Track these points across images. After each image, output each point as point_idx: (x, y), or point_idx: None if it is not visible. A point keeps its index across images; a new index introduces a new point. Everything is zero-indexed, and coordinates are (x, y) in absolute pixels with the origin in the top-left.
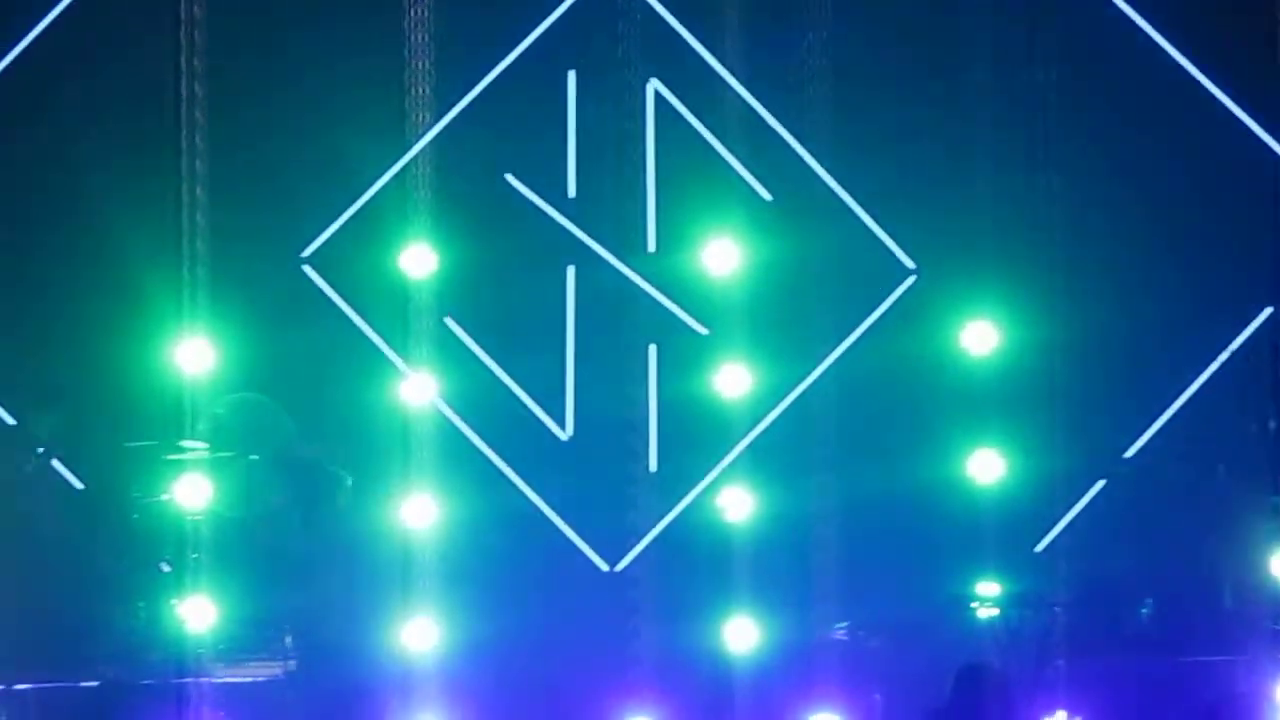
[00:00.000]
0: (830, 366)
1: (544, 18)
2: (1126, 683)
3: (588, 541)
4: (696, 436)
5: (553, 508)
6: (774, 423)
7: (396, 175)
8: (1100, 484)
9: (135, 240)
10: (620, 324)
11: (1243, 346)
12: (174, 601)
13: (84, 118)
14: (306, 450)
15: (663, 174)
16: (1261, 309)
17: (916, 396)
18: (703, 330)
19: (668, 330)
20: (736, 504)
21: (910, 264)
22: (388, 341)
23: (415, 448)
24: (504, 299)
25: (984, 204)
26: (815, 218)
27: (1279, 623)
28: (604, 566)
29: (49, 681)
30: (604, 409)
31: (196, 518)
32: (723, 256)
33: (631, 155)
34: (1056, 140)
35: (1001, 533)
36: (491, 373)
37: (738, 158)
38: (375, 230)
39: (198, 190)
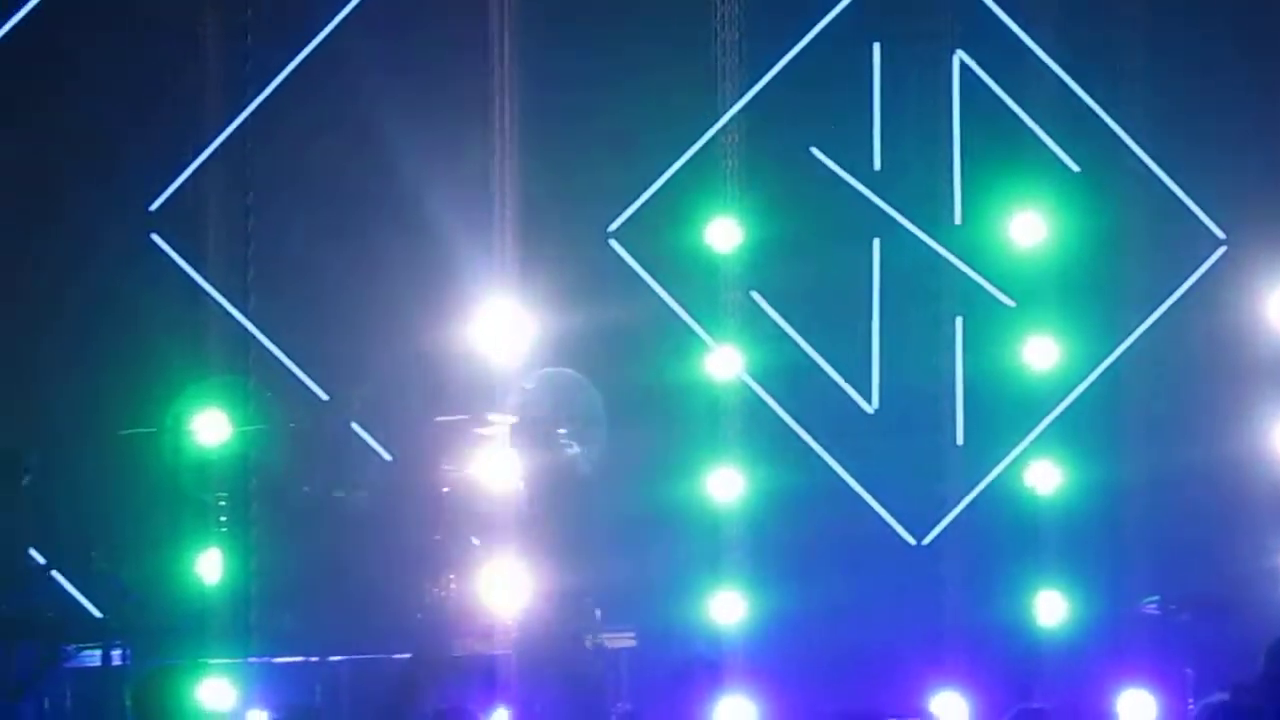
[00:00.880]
0: (1139, 338)
1: None
2: None
3: (895, 515)
4: (1003, 409)
5: (859, 482)
6: (1082, 395)
7: (702, 150)
8: None
9: (446, 218)
10: (926, 297)
11: None
12: (483, 574)
13: (398, 103)
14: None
15: (969, 146)
16: None
17: (1226, 368)
18: (1009, 302)
19: (974, 303)
20: (1044, 477)
21: (1220, 234)
22: (693, 315)
23: (722, 421)
24: (809, 272)
25: None
26: (1124, 189)
27: None
28: (911, 540)
29: (361, 653)
30: (910, 382)
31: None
32: (1030, 228)
33: (937, 127)
34: None
35: None
36: (797, 346)
37: (1045, 129)
38: (681, 205)
39: (508, 168)
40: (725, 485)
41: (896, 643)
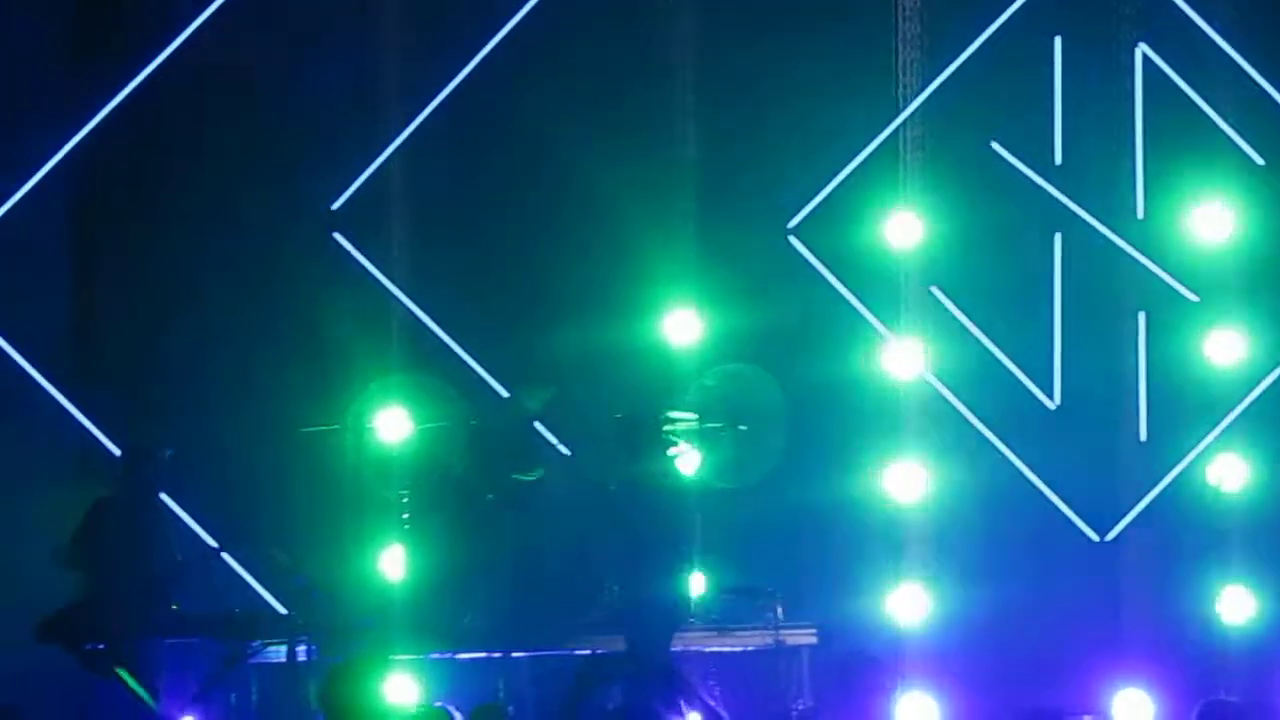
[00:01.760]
0: None
1: None
2: None
3: (1077, 511)
4: (1187, 405)
5: (1041, 478)
6: (1268, 389)
7: (882, 145)
8: None
9: (625, 215)
10: (1109, 291)
11: None
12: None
13: (578, 103)
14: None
15: (1151, 139)
16: None
17: None
18: (1193, 297)
19: (1157, 297)
20: (1229, 473)
21: None
22: (873, 311)
23: (902, 417)
24: (990, 267)
25: None
26: None
27: None
28: (1094, 537)
29: (542, 650)
30: (1092, 378)
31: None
32: (1214, 222)
33: (1119, 121)
34: None
35: None
36: (978, 341)
37: (1229, 122)
38: (860, 200)
39: (688, 165)
40: (906, 481)
41: (1078, 639)
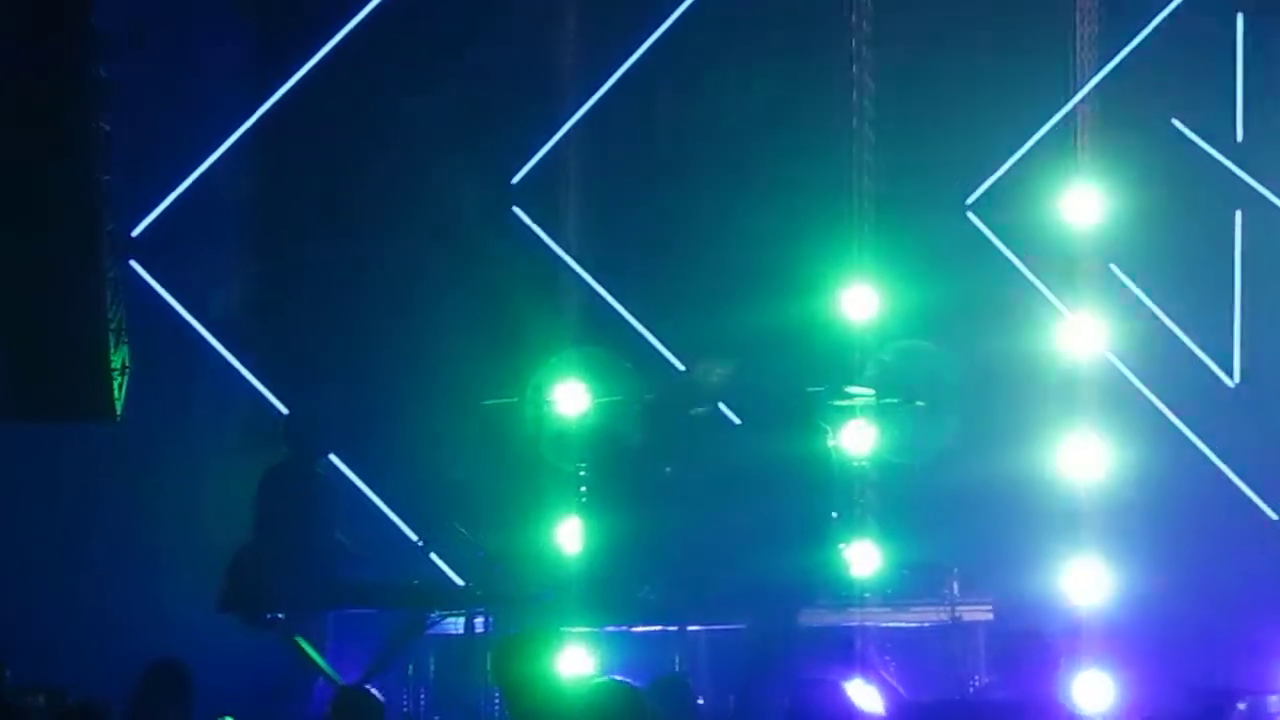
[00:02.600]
0: None
1: None
2: None
3: (1255, 489)
4: None
5: (1219, 455)
6: None
7: (1060, 122)
8: None
9: (803, 190)
10: None
11: None
12: (842, 547)
13: (753, 78)
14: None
15: None
16: None
17: None
18: None
19: None
20: None
21: None
22: (1050, 288)
23: (1079, 394)
24: (1169, 244)
25: None
26: None
27: None
28: (1272, 515)
29: (719, 624)
30: (1272, 356)
31: (863, 464)
32: None
33: None
34: None
35: None
36: (1157, 319)
37: None
38: (1039, 177)
39: (865, 140)
40: (1083, 458)
41: (1256, 619)
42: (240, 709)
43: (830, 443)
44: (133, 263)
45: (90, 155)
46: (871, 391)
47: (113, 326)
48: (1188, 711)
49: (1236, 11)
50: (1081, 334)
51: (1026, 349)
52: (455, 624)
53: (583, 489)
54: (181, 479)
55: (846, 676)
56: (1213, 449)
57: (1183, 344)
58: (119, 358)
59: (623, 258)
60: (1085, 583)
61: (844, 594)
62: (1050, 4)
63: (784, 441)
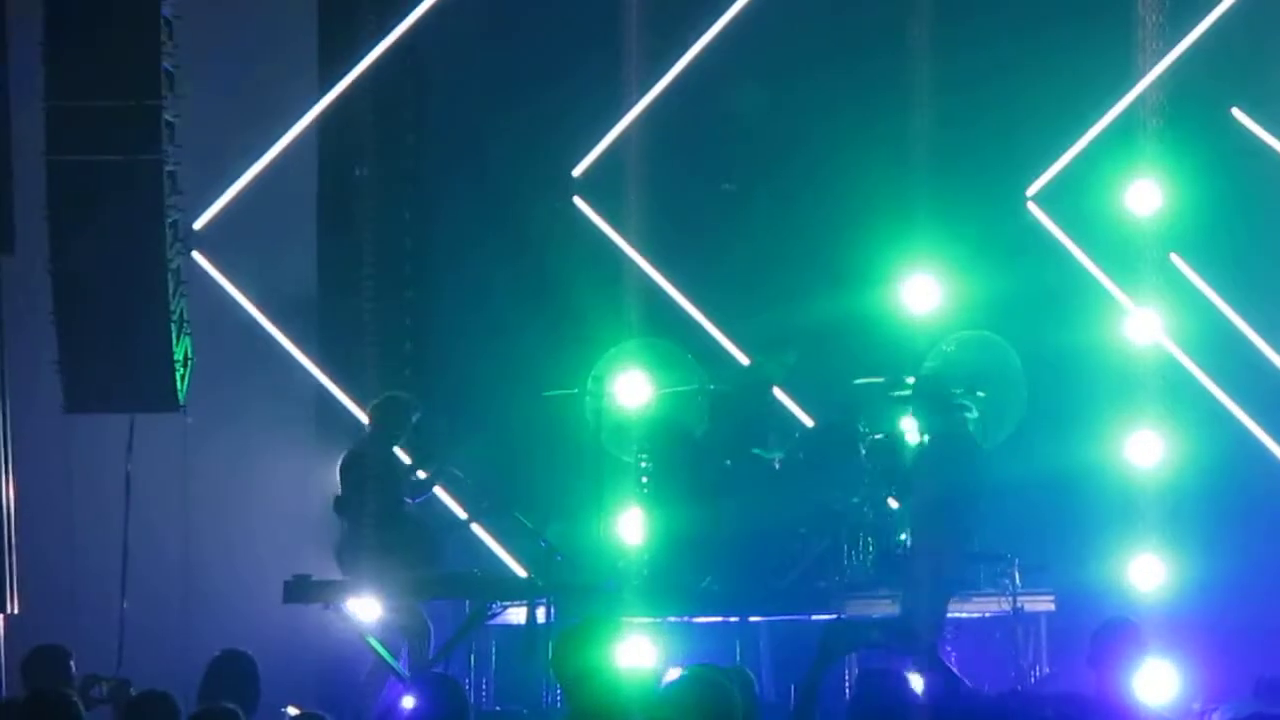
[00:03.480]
0: None
1: None
2: None
3: None
4: None
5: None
6: None
7: (1122, 112)
8: None
9: (864, 181)
10: None
11: None
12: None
13: (817, 71)
14: None
15: None
16: None
17: None
18: None
19: None
20: None
21: None
22: (1112, 278)
23: (1140, 385)
24: (1231, 235)
25: None
26: None
27: None
28: None
29: (780, 615)
30: None
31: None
32: None
33: None
34: None
35: None
36: (1218, 310)
37: None
38: (1100, 167)
39: (926, 131)
40: (1144, 449)
41: None
42: (305, 700)
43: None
44: (195, 254)
45: (155, 147)
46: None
47: (175, 318)
48: (1253, 702)
49: None
50: (1142, 324)
51: (1087, 339)
52: (518, 614)
53: (644, 480)
54: (242, 469)
55: (910, 667)
56: (1275, 439)
57: (1243, 334)
58: (181, 349)
59: (684, 249)
60: (1147, 572)
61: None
62: None
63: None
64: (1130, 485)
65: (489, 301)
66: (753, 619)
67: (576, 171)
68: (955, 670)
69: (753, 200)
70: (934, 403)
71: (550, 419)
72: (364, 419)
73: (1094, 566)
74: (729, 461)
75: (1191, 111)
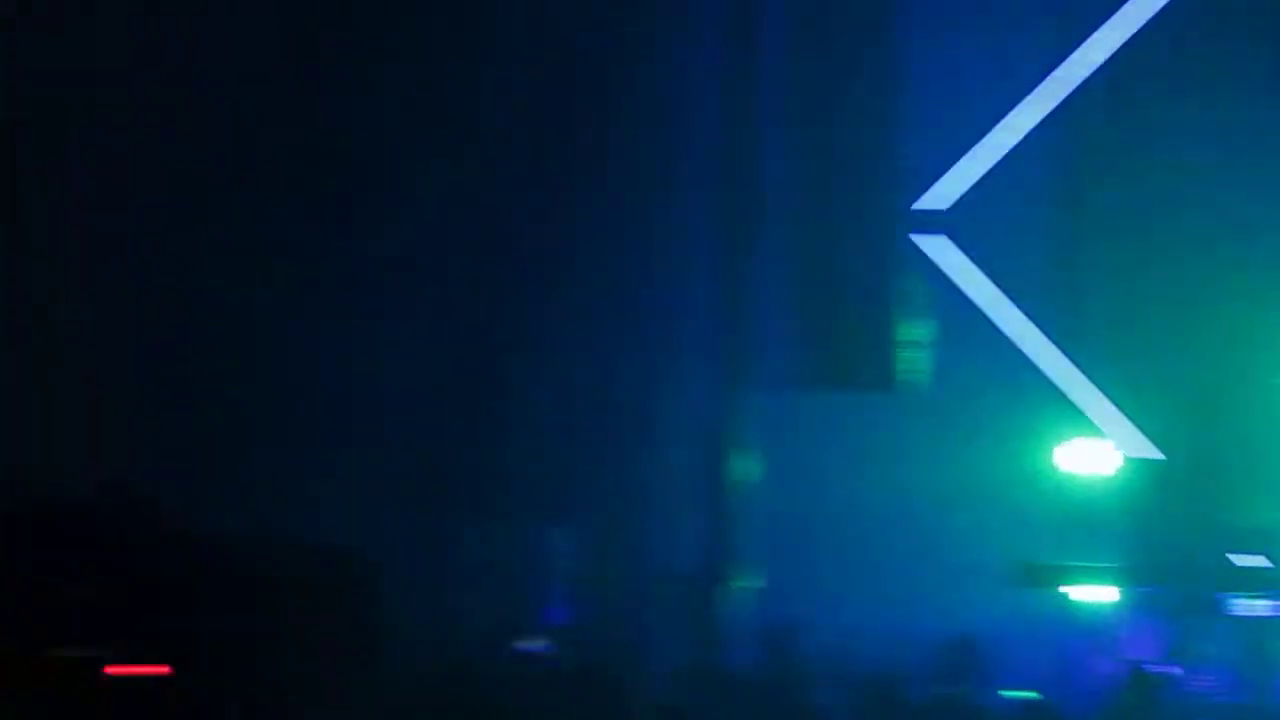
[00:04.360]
0: None
1: None
2: None
3: None
4: None
5: None
6: None
7: None
8: None
9: None
10: None
11: None
12: None
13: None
14: None
15: None
16: None
17: None
18: None
19: None
20: None
21: None
22: None
23: None
24: None
25: None
26: None
27: None
28: None
29: None
30: None
31: None
32: None
33: None
34: None
35: None
36: None
37: None
38: None
39: None
40: None
41: None
42: (1038, 685)
43: None
44: (916, 236)
45: (889, 130)
46: None
47: (897, 300)
48: None
49: None
50: None
51: None
52: (1264, 606)
53: None
54: (962, 452)
55: None
56: None
57: None
58: (903, 331)
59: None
60: None
61: None
62: None
63: None
64: None
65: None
66: None
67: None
68: None
69: None
70: None
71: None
72: None
73: None
74: None
75: None
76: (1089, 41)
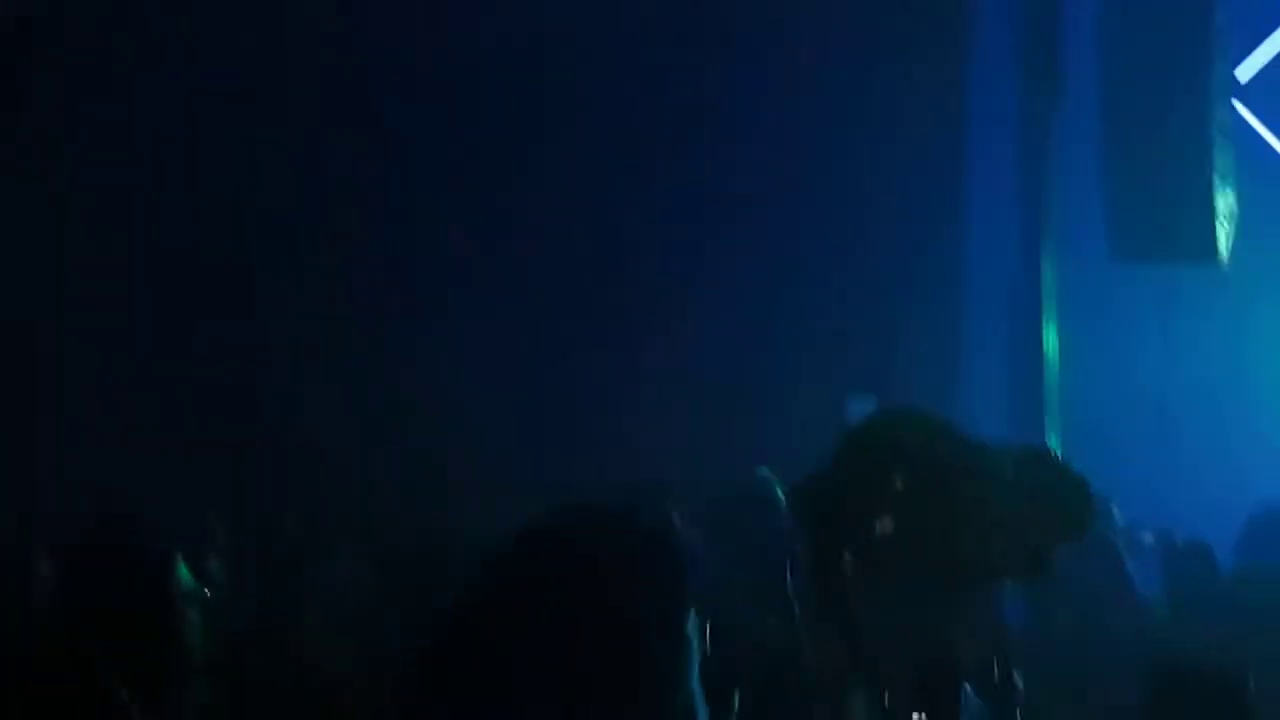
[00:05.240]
0: None
1: None
2: None
3: None
4: None
5: None
6: None
7: None
8: None
9: None
10: None
11: None
12: None
13: None
14: None
15: None
16: None
17: None
18: None
19: None
20: None
21: None
22: None
23: None
24: None
25: None
26: None
27: None
28: None
29: None
30: None
31: None
32: None
33: None
34: None
35: None
36: None
37: None
38: None
39: None
40: None
41: None
42: None
43: None
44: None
45: None
46: None
47: (1218, 170)
48: None
49: None
50: None
51: None
52: None
53: None
54: None
55: None
56: None
57: None
58: (1225, 202)
59: None
60: None
61: None
62: None
63: None
64: None
65: None
66: None
67: None
68: None
69: None
70: None
71: None
72: None
73: None
74: None
75: None
76: None
